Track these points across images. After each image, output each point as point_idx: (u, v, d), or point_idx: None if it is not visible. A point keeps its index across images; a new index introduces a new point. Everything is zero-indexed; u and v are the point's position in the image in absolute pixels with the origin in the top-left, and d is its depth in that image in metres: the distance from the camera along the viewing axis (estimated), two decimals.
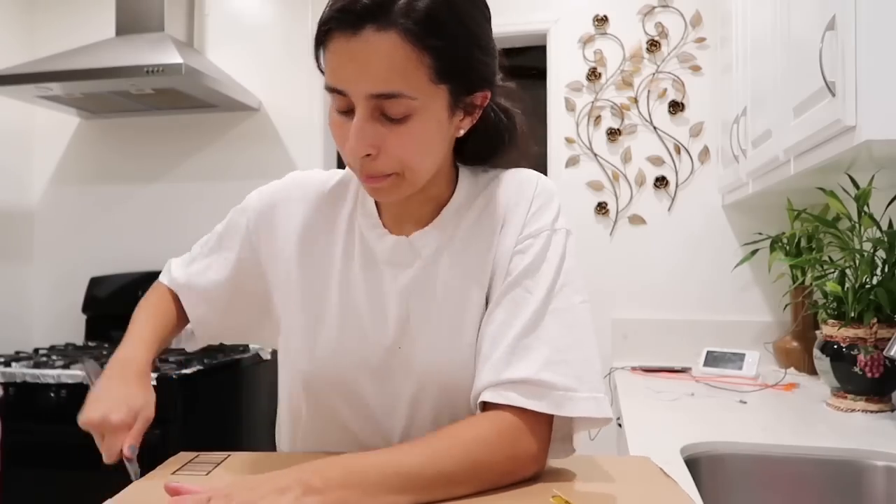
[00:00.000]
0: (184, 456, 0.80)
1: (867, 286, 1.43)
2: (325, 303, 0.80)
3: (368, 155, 0.68)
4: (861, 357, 1.41)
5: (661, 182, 2.34)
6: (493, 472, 0.66)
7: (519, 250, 0.76)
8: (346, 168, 0.84)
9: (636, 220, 2.36)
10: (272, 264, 0.85)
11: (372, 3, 0.63)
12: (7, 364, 2.14)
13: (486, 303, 0.77)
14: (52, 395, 2.03)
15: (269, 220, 0.86)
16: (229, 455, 0.80)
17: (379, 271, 0.79)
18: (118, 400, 0.79)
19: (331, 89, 0.67)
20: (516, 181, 0.81)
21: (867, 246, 1.46)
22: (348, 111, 0.68)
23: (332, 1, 0.66)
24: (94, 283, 2.71)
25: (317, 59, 0.70)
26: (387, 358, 0.78)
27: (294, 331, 0.81)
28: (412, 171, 0.71)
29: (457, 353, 0.76)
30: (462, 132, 0.75)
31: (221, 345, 2.46)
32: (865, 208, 1.44)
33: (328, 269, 0.81)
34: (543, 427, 0.70)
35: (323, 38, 0.66)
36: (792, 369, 1.92)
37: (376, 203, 0.80)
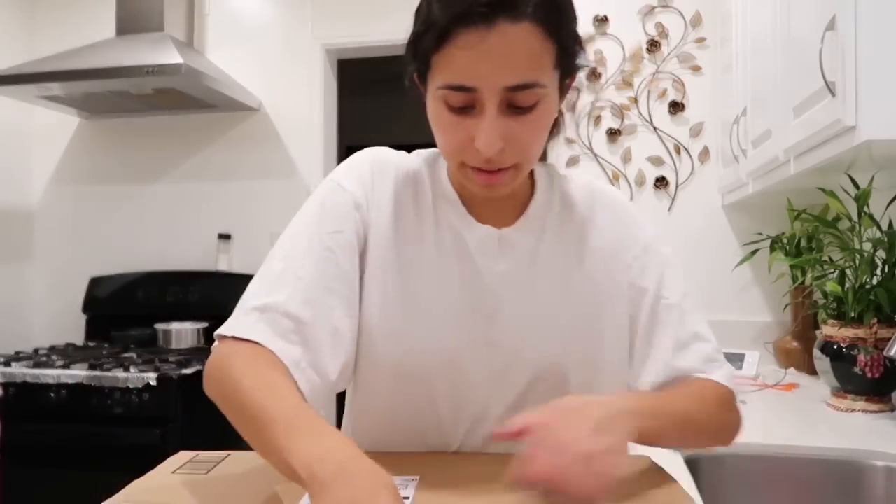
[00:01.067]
0: (183, 455, 0.80)
1: (867, 286, 1.43)
2: (421, 288, 0.76)
3: (500, 150, 0.67)
4: (861, 357, 1.41)
5: (661, 182, 2.34)
6: (719, 432, 0.83)
7: (639, 265, 0.82)
8: (413, 153, 0.83)
9: None
10: (370, 242, 0.78)
11: None
12: (7, 364, 2.14)
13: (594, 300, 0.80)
14: (52, 395, 2.03)
15: (369, 195, 0.78)
16: (229, 454, 0.80)
17: (472, 261, 0.77)
18: None
19: (455, 87, 0.66)
20: (592, 188, 0.85)
21: (867, 246, 1.46)
22: (464, 108, 0.67)
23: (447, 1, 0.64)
24: (94, 283, 2.71)
25: (424, 57, 0.67)
26: (480, 346, 0.76)
27: (386, 316, 0.76)
28: (530, 160, 0.72)
29: (557, 350, 0.77)
30: (555, 117, 0.75)
31: None
32: (865, 208, 1.44)
33: (421, 256, 0.77)
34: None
35: (445, 36, 0.64)
36: (792, 369, 1.92)
37: (458, 194, 0.79)
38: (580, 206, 0.82)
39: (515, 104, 0.66)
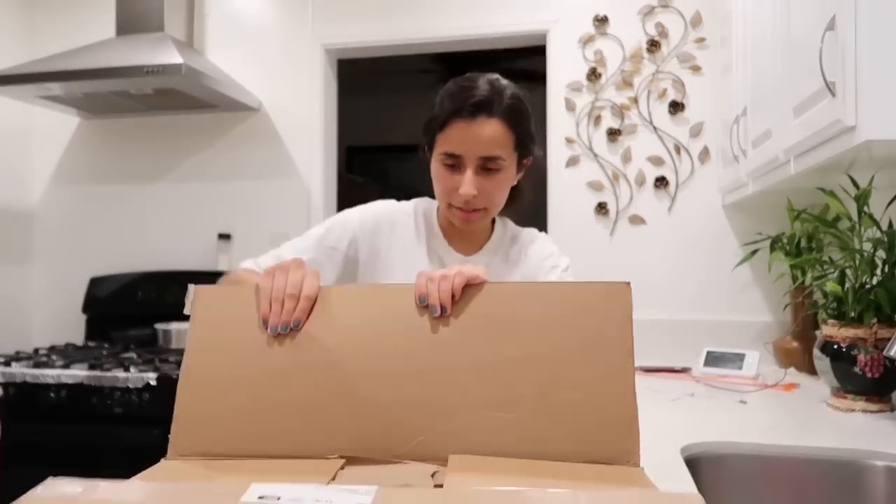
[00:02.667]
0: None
1: (867, 286, 1.43)
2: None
3: (474, 196, 1.06)
4: (861, 357, 1.41)
5: (661, 182, 2.34)
6: None
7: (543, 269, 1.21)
8: (412, 202, 1.24)
9: (636, 220, 2.36)
10: (369, 269, 1.16)
11: (482, 101, 1.04)
12: (7, 364, 2.14)
13: None
14: (52, 395, 2.03)
15: (372, 234, 1.17)
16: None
17: None
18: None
19: (448, 154, 1.06)
20: (531, 239, 1.25)
21: (867, 246, 1.46)
22: (455, 167, 1.07)
23: (450, 97, 1.06)
24: (94, 283, 2.71)
25: (432, 134, 1.09)
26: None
27: None
28: (494, 207, 1.12)
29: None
30: (513, 183, 1.14)
31: None
32: (865, 208, 1.44)
33: (414, 273, 1.05)
34: None
35: (446, 123, 1.06)
36: (792, 369, 1.92)
37: (443, 232, 1.20)
38: (517, 244, 1.23)
39: (486, 168, 1.06)
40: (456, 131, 1.05)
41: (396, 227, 1.19)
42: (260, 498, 0.52)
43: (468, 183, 1.05)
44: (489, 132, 1.04)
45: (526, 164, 1.15)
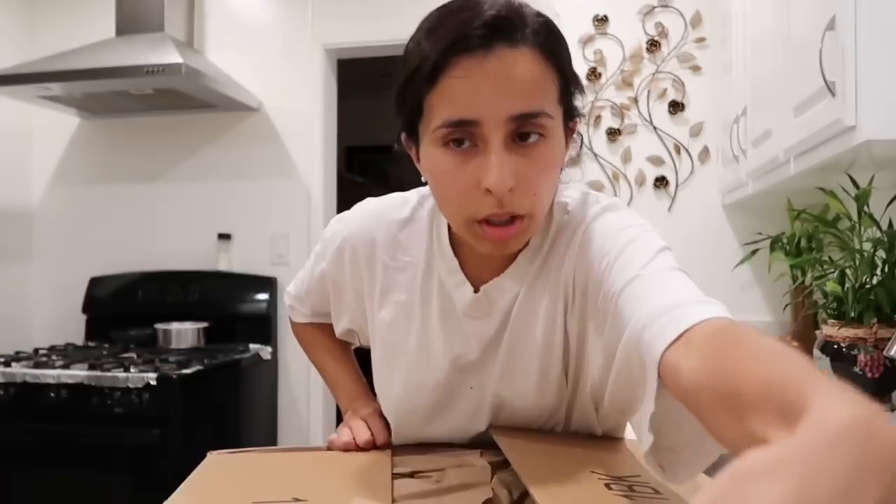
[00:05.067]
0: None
1: (867, 286, 1.43)
2: (405, 348, 0.80)
3: (510, 191, 0.61)
4: (861, 357, 1.40)
5: (661, 182, 2.34)
6: None
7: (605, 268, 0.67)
8: (415, 196, 0.81)
9: None
10: (362, 296, 0.84)
11: (498, 21, 0.59)
12: (7, 364, 2.14)
13: (566, 331, 0.74)
14: (52, 395, 2.03)
15: (352, 259, 0.82)
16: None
17: (458, 320, 0.77)
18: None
19: (455, 123, 0.61)
20: (593, 215, 0.74)
21: (867, 246, 1.45)
22: (467, 146, 0.62)
23: (436, 31, 0.61)
24: (94, 283, 2.71)
25: (415, 102, 0.63)
26: (462, 397, 0.80)
27: (375, 363, 0.85)
28: (542, 206, 0.66)
29: (531, 393, 0.76)
30: (563, 165, 0.70)
31: (221, 345, 2.47)
32: (865, 208, 1.44)
33: (408, 314, 0.79)
34: None
35: (440, 69, 0.60)
36: None
37: (452, 246, 0.76)
38: (563, 246, 0.73)
39: (522, 138, 0.61)
40: (461, 80, 0.59)
41: (376, 250, 0.80)
42: None
43: (499, 165, 0.60)
44: (521, 70, 0.60)
45: (573, 131, 0.71)
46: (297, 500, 0.64)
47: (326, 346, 0.98)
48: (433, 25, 0.62)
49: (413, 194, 0.82)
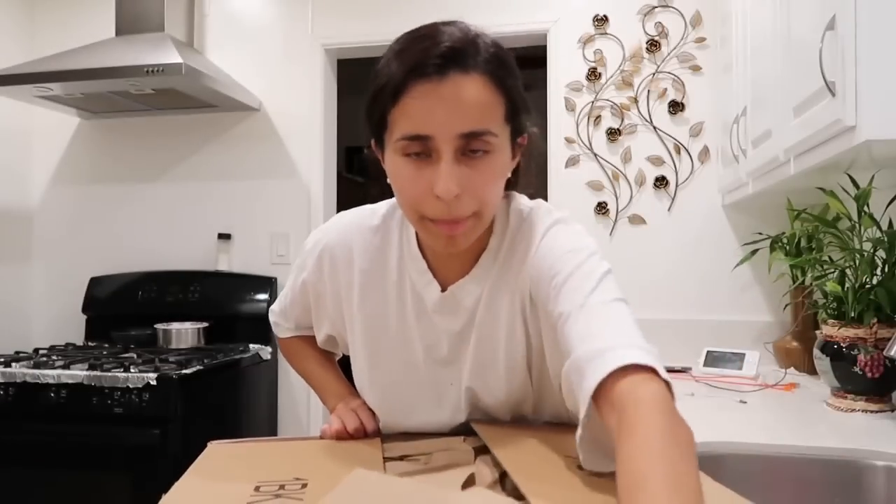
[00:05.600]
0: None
1: (867, 286, 1.43)
2: (384, 345, 0.89)
3: (456, 197, 0.71)
4: (861, 357, 1.41)
5: (661, 182, 2.34)
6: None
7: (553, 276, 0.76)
8: (384, 206, 0.90)
9: (636, 220, 2.36)
10: (340, 301, 0.91)
11: (453, 51, 0.70)
12: (7, 364, 2.14)
13: (527, 328, 0.84)
14: (52, 395, 2.03)
15: (330, 273, 0.90)
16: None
17: (429, 318, 0.86)
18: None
19: (410, 138, 0.71)
20: (535, 226, 0.83)
21: (867, 246, 1.45)
22: (422, 157, 0.72)
23: (401, 54, 0.71)
24: (94, 283, 2.71)
25: (380, 115, 0.73)
26: (440, 391, 0.89)
27: (357, 363, 0.92)
28: (487, 208, 0.76)
29: (500, 385, 0.86)
30: (509, 173, 0.80)
31: (221, 345, 2.47)
32: (865, 208, 1.44)
33: (384, 313, 0.88)
34: None
35: (400, 90, 0.70)
36: (792, 369, 1.92)
37: (421, 249, 0.85)
38: (521, 250, 0.83)
39: (469, 151, 0.71)
40: (418, 100, 0.69)
41: (353, 256, 0.88)
42: None
43: (446, 176, 0.70)
44: (470, 94, 0.70)
45: (521, 146, 0.81)
46: (297, 479, 0.69)
47: (311, 354, 1.05)
48: (401, 49, 0.73)
49: (382, 205, 0.91)
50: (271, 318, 1.08)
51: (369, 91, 0.75)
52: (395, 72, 0.71)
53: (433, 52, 0.69)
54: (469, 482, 0.69)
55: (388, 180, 0.79)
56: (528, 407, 0.88)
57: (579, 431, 0.63)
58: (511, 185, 0.84)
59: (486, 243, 0.84)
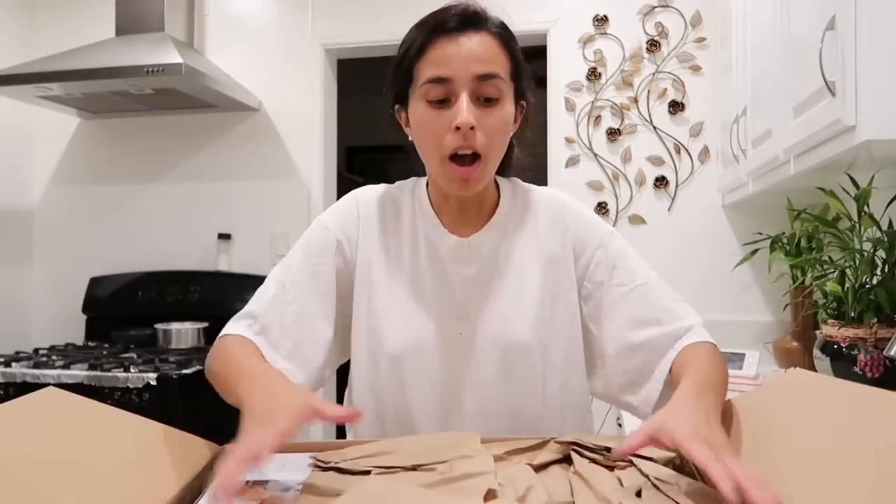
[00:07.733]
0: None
1: (867, 286, 1.43)
2: (401, 292, 0.94)
3: (472, 129, 0.84)
4: (861, 357, 1.40)
5: (661, 182, 2.34)
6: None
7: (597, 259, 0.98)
8: (393, 184, 1.02)
9: (636, 219, 2.36)
10: (358, 268, 0.96)
11: (468, 16, 0.86)
12: (7, 364, 2.14)
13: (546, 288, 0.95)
14: None
15: (352, 231, 0.97)
16: None
17: (443, 265, 0.94)
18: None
19: (435, 80, 0.84)
20: (551, 196, 1.02)
21: (867, 246, 1.45)
22: (444, 100, 0.85)
23: (423, 23, 0.87)
24: (94, 283, 2.71)
25: (407, 72, 0.88)
26: (453, 336, 0.93)
27: (377, 315, 0.94)
28: (493, 155, 0.88)
29: (517, 331, 0.92)
30: (512, 132, 0.92)
31: None
32: (865, 208, 1.44)
33: (400, 265, 0.95)
34: None
35: (426, 45, 0.86)
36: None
37: (434, 209, 0.96)
38: (537, 213, 0.98)
39: (483, 96, 0.85)
40: (440, 50, 0.85)
41: (371, 212, 0.98)
42: None
43: (465, 110, 0.83)
44: (483, 46, 0.85)
45: (523, 109, 0.94)
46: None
47: (256, 353, 0.88)
48: (421, 21, 0.89)
49: (394, 184, 1.02)
50: (233, 320, 0.93)
51: (394, 61, 0.90)
52: (419, 34, 0.87)
53: (452, 13, 0.86)
54: (490, 496, 0.61)
55: (411, 138, 0.92)
56: (537, 353, 0.92)
57: (660, 389, 0.91)
58: (507, 167, 0.99)
59: (495, 208, 0.97)
